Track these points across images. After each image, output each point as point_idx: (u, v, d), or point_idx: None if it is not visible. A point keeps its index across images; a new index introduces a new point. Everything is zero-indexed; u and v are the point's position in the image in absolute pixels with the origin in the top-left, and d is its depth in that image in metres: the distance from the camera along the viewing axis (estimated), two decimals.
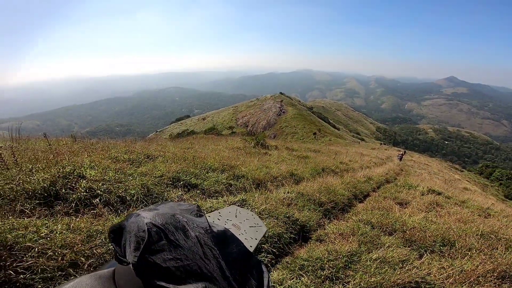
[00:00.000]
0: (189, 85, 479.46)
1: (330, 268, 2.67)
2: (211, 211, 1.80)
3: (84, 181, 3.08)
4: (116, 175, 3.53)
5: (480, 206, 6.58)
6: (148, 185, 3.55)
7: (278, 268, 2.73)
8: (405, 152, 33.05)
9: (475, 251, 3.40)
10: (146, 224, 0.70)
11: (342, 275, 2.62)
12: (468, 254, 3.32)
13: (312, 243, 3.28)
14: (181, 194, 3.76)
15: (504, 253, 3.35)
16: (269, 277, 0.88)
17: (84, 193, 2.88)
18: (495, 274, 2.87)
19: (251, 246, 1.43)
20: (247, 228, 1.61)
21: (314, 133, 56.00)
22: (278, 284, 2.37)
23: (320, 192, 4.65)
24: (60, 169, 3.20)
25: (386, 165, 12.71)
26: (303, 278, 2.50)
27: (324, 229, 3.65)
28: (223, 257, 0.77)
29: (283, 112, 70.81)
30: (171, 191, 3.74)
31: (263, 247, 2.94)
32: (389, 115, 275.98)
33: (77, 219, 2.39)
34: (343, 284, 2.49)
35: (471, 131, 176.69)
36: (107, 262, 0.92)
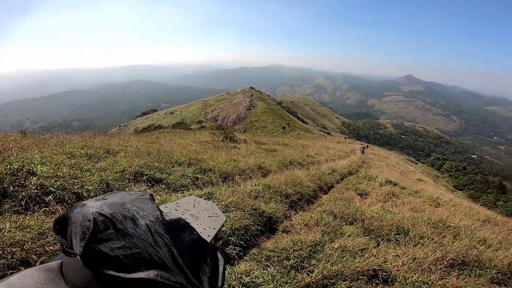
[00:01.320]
0: (157, 79, 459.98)
1: (295, 258, 2.75)
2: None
3: (35, 178, 2.93)
4: (71, 171, 3.37)
5: (431, 196, 7.20)
6: (108, 181, 3.43)
7: (245, 260, 2.76)
8: (367, 146, 34.95)
9: (427, 239, 3.67)
10: (92, 213, 0.69)
11: (306, 265, 2.71)
12: (420, 242, 3.57)
13: (279, 234, 3.35)
14: (145, 189, 3.65)
15: (452, 242, 3.65)
16: (224, 264, 0.90)
17: (35, 190, 2.75)
18: (444, 262, 3.10)
19: (209, 236, 1.43)
20: (206, 218, 1.61)
21: (283, 127, 57.02)
22: (245, 275, 2.40)
23: (286, 184, 4.74)
24: (7, 165, 3.03)
25: (350, 158, 13.33)
26: (269, 269, 2.54)
27: (291, 220, 3.74)
28: (175, 245, 0.77)
29: (253, 106, 71.04)
30: (133, 186, 3.63)
31: (231, 239, 2.95)
32: (353, 110, 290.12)
33: (27, 217, 2.34)
34: (307, 273, 2.57)
35: (425, 126, 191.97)
36: (56, 256, 0.91)
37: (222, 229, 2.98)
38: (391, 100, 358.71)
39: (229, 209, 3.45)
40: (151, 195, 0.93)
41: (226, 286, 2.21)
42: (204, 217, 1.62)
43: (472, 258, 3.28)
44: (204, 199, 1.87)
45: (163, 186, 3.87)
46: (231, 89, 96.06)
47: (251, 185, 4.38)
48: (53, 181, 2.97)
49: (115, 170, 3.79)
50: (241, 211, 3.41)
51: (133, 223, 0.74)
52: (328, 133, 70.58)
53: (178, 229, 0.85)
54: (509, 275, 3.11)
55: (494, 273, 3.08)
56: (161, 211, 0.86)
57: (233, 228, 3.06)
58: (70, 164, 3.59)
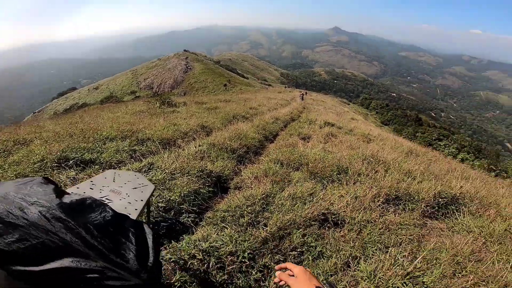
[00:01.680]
0: (68, 55, 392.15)
1: (249, 214, 2.75)
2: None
3: None
4: None
5: (364, 132, 7.94)
6: (26, 174, 2.99)
7: (202, 226, 2.68)
8: (306, 92, 36.44)
9: (363, 175, 3.98)
10: None
11: (261, 219, 2.73)
12: (358, 179, 3.86)
13: (231, 193, 3.30)
14: (75, 174, 3.19)
15: (384, 176, 4.01)
16: (153, 237, 0.84)
17: None
18: (381, 199, 3.38)
19: (136, 209, 1.33)
20: (130, 190, 1.47)
21: (225, 85, 55.87)
22: (203, 241, 2.31)
23: (231, 140, 4.64)
24: None
25: (291, 105, 13.79)
26: (226, 230, 2.51)
27: (241, 175, 3.70)
28: (83, 227, 0.70)
29: (190, 68, 67.37)
30: (60, 174, 3.13)
31: (182, 207, 2.81)
32: (289, 62, 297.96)
33: None
34: (262, 227, 2.60)
35: (352, 71, 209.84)
36: None
37: (172, 198, 2.81)
38: (322, 50, 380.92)
39: (175, 176, 3.24)
40: (44, 178, 0.83)
41: (187, 256, 2.10)
42: (127, 190, 1.47)
43: (402, 192, 3.64)
44: (126, 171, 1.67)
45: (96, 166, 3.43)
46: (162, 55, 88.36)
47: (195, 147, 4.16)
48: None
49: (32, 161, 3.29)
50: (187, 176, 3.24)
51: (21, 213, 0.67)
52: (269, 85, 71.61)
53: (84, 209, 0.77)
54: (436, 208, 3.51)
55: (423, 206, 3.44)
56: (58, 194, 0.77)
57: (183, 195, 2.91)
58: None
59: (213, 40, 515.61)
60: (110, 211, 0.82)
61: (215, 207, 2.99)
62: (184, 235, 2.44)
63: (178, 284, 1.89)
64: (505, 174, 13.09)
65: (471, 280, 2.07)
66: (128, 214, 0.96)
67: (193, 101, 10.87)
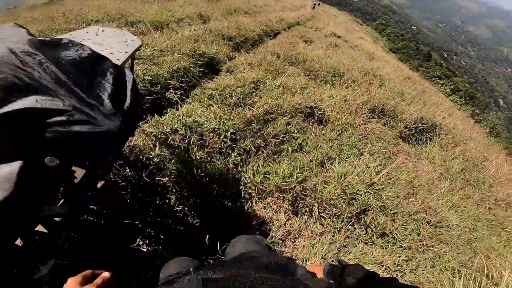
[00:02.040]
0: None
1: (238, 95, 2.73)
2: None
3: None
4: None
5: (368, 51, 7.54)
6: None
7: (188, 102, 2.66)
8: (319, 3, 32.75)
9: (357, 83, 3.95)
10: None
11: (249, 101, 2.73)
12: (351, 85, 3.84)
13: (222, 75, 3.23)
14: None
15: (377, 89, 3.98)
16: (134, 80, 0.77)
17: None
18: (368, 107, 3.42)
19: (118, 60, 1.23)
20: (114, 43, 1.36)
21: None
22: (188, 116, 2.29)
23: (230, 28, 4.34)
24: None
25: (299, 11, 12.59)
26: (212, 107, 2.49)
27: (234, 61, 3.58)
28: (54, 62, 0.61)
29: None
30: None
31: (170, 83, 2.74)
32: None
33: None
34: (249, 109, 2.61)
35: None
36: None
37: (159, 72, 2.71)
38: None
39: (164, 53, 3.07)
40: (15, 23, 0.72)
41: (169, 130, 2.08)
42: (111, 43, 1.35)
43: (389, 107, 3.68)
44: (113, 28, 1.53)
45: None
46: None
47: (190, 31, 3.87)
48: None
49: None
50: (178, 54, 3.08)
51: None
52: None
53: (59, 47, 0.67)
54: (413, 131, 3.60)
55: (403, 127, 3.53)
56: (31, 34, 0.67)
57: (171, 71, 2.80)
58: None
59: None
60: (88, 49, 0.72)
61: (204, 85, 2.94)
62: (168, 110, 2.40)
63: (157, 160, 1.88)
64: (484, 124, 13.82)
65: (417, 206, 2.26)
66: None
67: None
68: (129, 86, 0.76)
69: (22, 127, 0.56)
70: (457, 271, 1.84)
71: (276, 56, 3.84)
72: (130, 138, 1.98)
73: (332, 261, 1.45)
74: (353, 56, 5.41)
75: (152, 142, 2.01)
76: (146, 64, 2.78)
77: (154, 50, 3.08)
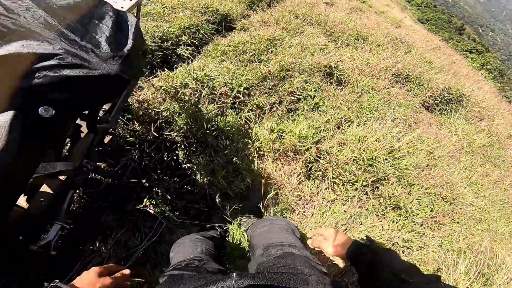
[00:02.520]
0: None
1: (252, 51, 2.59)
2: None
3: None
4: None
5: (395, 18, 7.01)
6: None
7: (199, 58, 2.56)
8: None
9: (382, 47, 3.68)
10: None
11: (264, 58, 2.59)
12: (376, 50, 3.58)
13: (236, 33, 3.06)
14: None
15: (403, 55, 3.71)
16: (137, 24, 0.69)
17: None
18: (392, 72, 3.19)
19: (122, 8, 1.16)
20: None
21: None
22: (199, 70, 2.19)
23: None
24: None
25: None
26: (224, 63, 2.38)
27: (249, 19, 3.38)
28: (43, 8, 0.54)
29: None
30: None
31: (181, 39, 2.62)
32: None
33: None
34: (264, 65, 2.48)
35: None
36: None
37: (170, 29, 2.57)
38: None
39: (176, 10, 2.90)
40: None
41: (179, 84, 1.98)
42: None
43: (415, 75, 3.44)
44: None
45: None
46: None
47: None
48: None
49: None
50: (190, 10, 2.92)
51: None
52: None
53: None
54: (439, 101, 3.39)
55: (428, 95, 3.32)
56: None
57: (183, 27, 2.67)
58: None
59: None
60: None
61: (217, 42, 2.81)
62: (179, 65, 2.31)
63: (166, 114, 1.80)
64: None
65: (435, 180, 2.13)
66: None
67: None
68: (131, 30, 0.68)
69: (6, 78, 0.52)
70: (462, 253, 1.75)
71: (295, 15, 3.59)
72: (139, 92, 1.92)
73: (361, 239, 1.37)
74: (379, 22, 5.03)
75: (162, 96, 1.93)
76: (156, 21, 2.66)
77: (164, 7, 2.93)
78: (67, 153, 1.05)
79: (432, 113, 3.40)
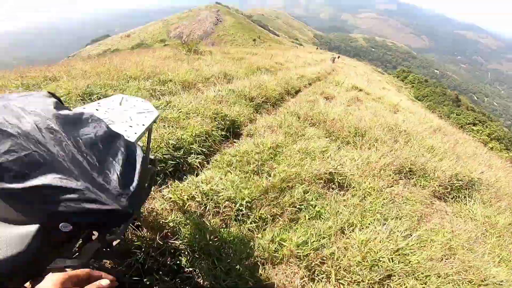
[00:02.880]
0: (103, 3, 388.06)
1: (256, 162, 2.73)
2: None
3: None
4: None
5: (392, 102, 7.48)
6: None
7: (208, 168, 2.70)
8: (338, 56, 34.19)
9: (380, 142, 3.80)
10: None
11: (267, 168, 2.71)
12: (374, 145, 3.70)
13: (243, 139, 3.28)
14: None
15: (403, 147, 3.81)
16: (144, 159, 0.82)
17: None
18: (393, 168, 3.24)
19: (135, 133, 1.30)
20: (134, 115, 1.44)
21: (254, 40, 54.10)
22: (205, 183, 2.33)
23: (251, 88, 4.53)
24: None
25: (319, 66, 13.08)
26: (230, 175, 2.50)
27: (255, 124, 3.65)
28: (72, 141, 0.68)
29: (220, 21, 65.54)
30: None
31: (192, 147, 2.82)
32: (326, 24, 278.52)
33: None
34: (266, 177, 2.58)
35: (394, 42, 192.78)
36: None
37: (183, 137, 2.82)
38: (365, 16, 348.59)
39: (189, 115, 3.24)
40: (49, 92, 0.79)
41: (187, 197, 2.13)
42: (132, 114, 1.44)
43: (419, 166, 3.45)
44: (134, 97, 1.66)
45: None
46: (194, 6, 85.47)
47: (214, 91, 4.12)
48: None
49: (58, 94, 3.33)
50: (201, 117, 3.23)
51: (17, 121, 0.64)
52: (300, 44, 68.52)
53: (79, 123, 0.74)
54: (449, 189, 3.32)
55: (436, 185, 3.27)
56: (58, 107, 0.74)
57: (194, 135, 2.91)
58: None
59: None
60: (104, 127, 0.79)
61: (224, 151, 2.99)
62: (188, 175, 2.46)
63: (172, 225, 1.92)
64: None
65: (456, 267, 2.03)
66: (127, 138, 0.94)
67: (219, 51, 10.60)
68: (138, 167, 0.81)
69: (40, 200, 0.63)
70: None
71: (297, 117, 3.88)
72: (150, 201, 2.11)
73: None
74: (376, 111, 5.34)
75: (170, 206, 2.08)
76: (172, 127, 2.94)
77: (180, 112, 3.27)
78: (77, 250, 1.12)
79: (445, 202, 3.27)
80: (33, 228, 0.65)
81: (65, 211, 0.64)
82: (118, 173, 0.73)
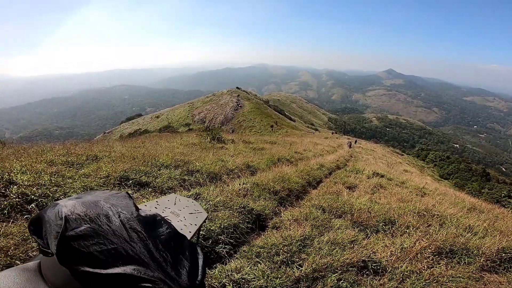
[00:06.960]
0: (140, 82, 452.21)
1: (285, 253, 2.75)
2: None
3: (15, 186, 2.88)
4: (53, 178, 3.30)
5: (417, 186, 7.35)
6: (92, 186, 3.38)
7: (236, 258, 2.74)
8: (356, 141, 35.32)
9: (413, 228, 3.73)
10: (63, 212, 0.70)
11: (296, 259, 2.72)
12: (406, 232, 3.64)
13: (269, 231, 3.33)
14: (132, 193, 3.56)
15: (439, 230, 3.71)
16: (204, 259, 0.91)
17: (16, 199, 2.70)
18: (431, 250, 3.15)
19: (190, 232, 1.46)
20: (187, 214, 1.62)
21: (271, 126, 57.27)
22: (236, 272, 2.39)
23: (275, 181, 4.73)
24: None
25: (337, 153, 13.50)
26: (259, 265, 2.54)
27: (280, 216, 3.73)
28: (151, 240, 0.80)
29: (240, 106, 71.17)
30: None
31: (220, 238, 2.92)
32: (338, 105, 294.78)
33: (10, 225, 2.34)
34: (297, 267, 2.58)
35: (408, 118, 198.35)
36: (34, 257, 0.91)
37: (212, 228, 2.96)
38: (374, 94, 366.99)
39: (217, 208, 3.41)
40: (127, 193, 0.95)
41: (217, 284, 2.21)
42: (185, 214, 1.62)
43: (459, 246, 3.33)
44: (185, 197, 1.87)
45: (149, 189, 3.80)
46: (217, 90, 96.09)
47: (239, 184, 4.35)
48: (34, 189, 2.90)
49: (98, 176, 3.71)
50: (229, 210, 3.39)
51: (107, 219, 0.76)
52: (316, 129, 71.67)
53: (155, 224, 0.87)
54: (498, 262, 3.16)
55: (483, 260, 3.12)
56: (137, 207, 0.88)
57: (222, 227, 3.04)
58: (51, 171, 3.50)
59: (263, 79, 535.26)
60: (173, 229, 0.91)
61: (251, 242, 3.04)
62: (217, 264, 2.52)
63: None
64: None
65: None
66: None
67: (240, 140, 11.41)
68: (200, 263, 0.88)
69: (118, 286, 0.68)
70: None
71: (321, 209, 3.95)
72: None
73: None
74: (403, 196, 5.27)
75: None
76: None
77: (209, 204, 3.45)
78: None
79: (497, 273, 3.02)
80: None
81: None
82: (187, 269, 0.82)
